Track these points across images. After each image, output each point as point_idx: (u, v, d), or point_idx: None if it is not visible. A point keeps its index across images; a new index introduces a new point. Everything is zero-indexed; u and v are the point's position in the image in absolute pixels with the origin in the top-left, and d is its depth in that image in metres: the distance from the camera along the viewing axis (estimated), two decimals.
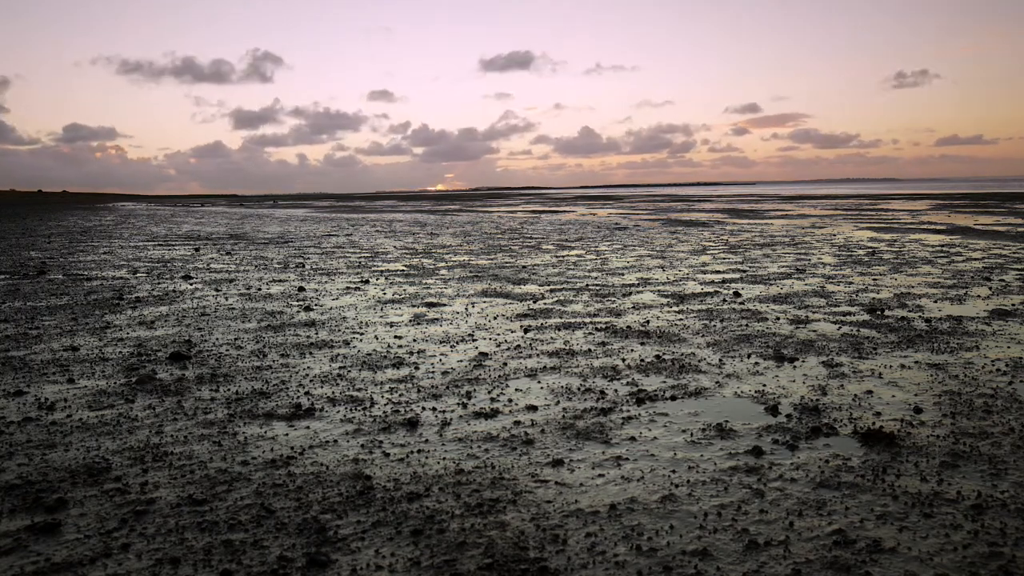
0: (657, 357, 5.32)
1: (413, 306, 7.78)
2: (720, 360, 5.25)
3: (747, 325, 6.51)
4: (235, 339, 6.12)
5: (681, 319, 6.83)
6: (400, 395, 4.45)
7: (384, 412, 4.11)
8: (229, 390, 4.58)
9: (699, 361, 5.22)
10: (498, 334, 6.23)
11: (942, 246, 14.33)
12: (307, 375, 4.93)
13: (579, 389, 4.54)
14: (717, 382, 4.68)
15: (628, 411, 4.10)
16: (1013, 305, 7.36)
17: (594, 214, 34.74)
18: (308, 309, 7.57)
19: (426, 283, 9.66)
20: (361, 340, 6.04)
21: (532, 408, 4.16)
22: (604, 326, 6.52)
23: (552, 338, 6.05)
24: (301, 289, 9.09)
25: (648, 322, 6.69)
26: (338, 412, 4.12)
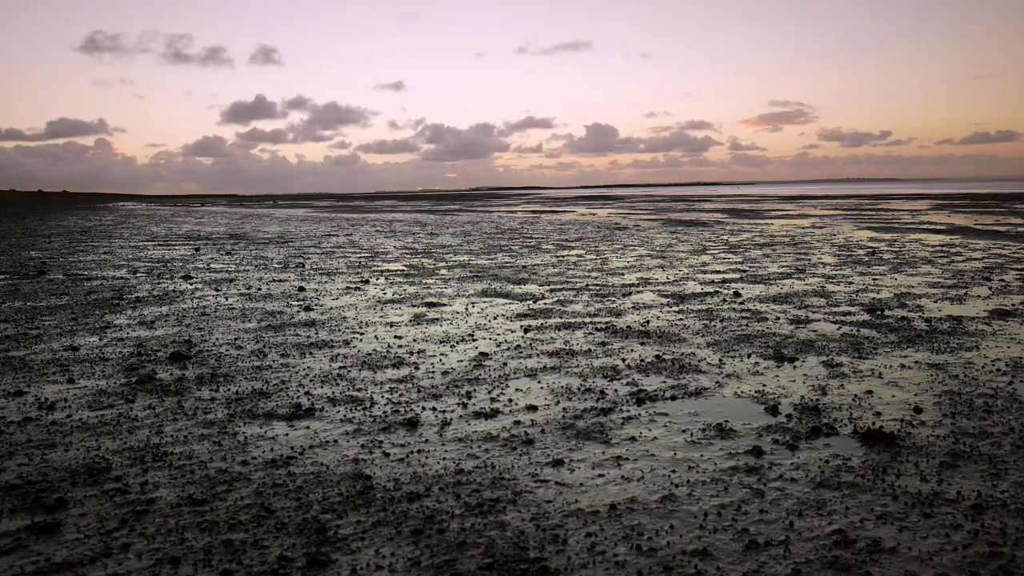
0: (657, 357, 5.32)
1: (413, 306, 7.78)
2: (720, 360, 5.25)
3: (747, 325, 6.51)
4: (235, 339, 6.13)
5: (681, 319, 6.83)
6: (400, 395, 4.45)
7: (384, 412, 4.11)
8: (229, 390, 4.58)
9: (699, 361, 5.22)
10: (498, 334, 6.23)
11: (942, 246, 14.33)
12: (307, 375, 4.93)
13: (579, 389, 4.54)
14: (717, 382, 4.68)
15: (628, 411, 4.10)
16: (1013, 305, 7.36)
17: (594, 214, 34.75)
18: (308, 309, 7.57)
19: (426, 283, 9.66)
20: (361, 340, 6.04)
21: (532, 408, 4.16)
22: (604, 326, 6.52)
23: (552, 338, 6.05)
24: (301, 289, 9.09)
25: (648, 322, 6.69)
26: (338, 412, 4.12)
